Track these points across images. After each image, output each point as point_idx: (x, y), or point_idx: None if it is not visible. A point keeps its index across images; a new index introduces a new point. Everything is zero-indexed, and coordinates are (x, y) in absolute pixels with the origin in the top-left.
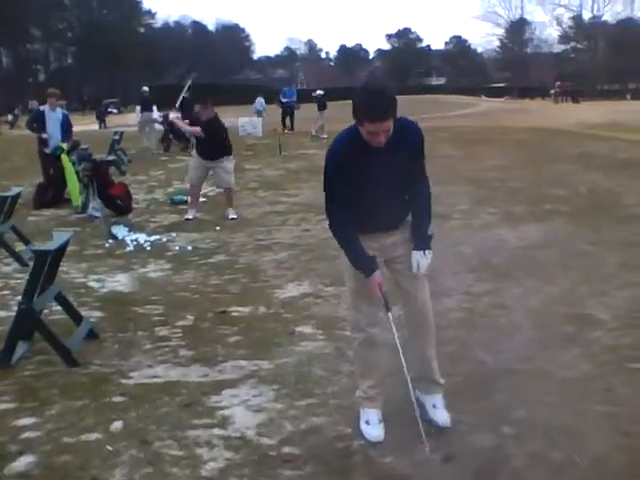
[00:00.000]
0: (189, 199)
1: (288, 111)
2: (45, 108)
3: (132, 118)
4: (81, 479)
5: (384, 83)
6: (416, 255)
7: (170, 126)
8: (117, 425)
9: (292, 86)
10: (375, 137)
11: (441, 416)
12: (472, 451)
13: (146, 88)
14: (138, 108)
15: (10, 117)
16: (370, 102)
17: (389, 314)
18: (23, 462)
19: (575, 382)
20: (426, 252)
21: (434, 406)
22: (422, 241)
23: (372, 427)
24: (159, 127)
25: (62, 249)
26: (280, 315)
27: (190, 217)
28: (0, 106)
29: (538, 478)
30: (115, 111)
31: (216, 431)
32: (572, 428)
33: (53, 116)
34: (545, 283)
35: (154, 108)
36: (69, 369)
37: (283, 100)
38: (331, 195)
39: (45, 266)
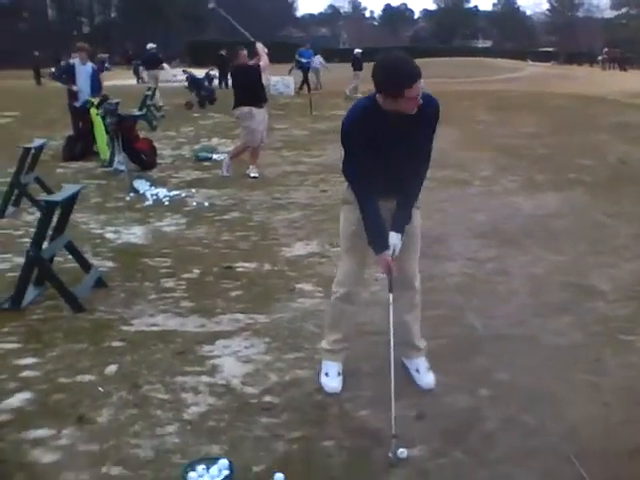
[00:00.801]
0: (235, 154)
1: (306, 71)
2: (75, 62)
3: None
4: (70, 416)
5: (402, 52)
6: (394, 237)
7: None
8: (112, 368)
9: (308, 47)
10: (414, 102)
11: (424, 379)
12: (447, 411)
13: (152, 45)
14: (141, 68)
15: (53, 69)
16: (406, 66)
17: (390, 295)
18: (19, 398)
19: (564, 350)
20: (401, 236)
21: (417, 370)
22: (402, 224)
23: (330, 379)
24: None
25: (71, 200)
26: (284, 272)
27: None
28: (45, 57)
29: (508, 441)
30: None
31: (203, 378)
32: (552, 394)
33: (83, 70)
34: (552, 252)
35: (165, 65)
36: (75, 314)
37: (303, 60)
38: (353, 159)
39: (53, 216)
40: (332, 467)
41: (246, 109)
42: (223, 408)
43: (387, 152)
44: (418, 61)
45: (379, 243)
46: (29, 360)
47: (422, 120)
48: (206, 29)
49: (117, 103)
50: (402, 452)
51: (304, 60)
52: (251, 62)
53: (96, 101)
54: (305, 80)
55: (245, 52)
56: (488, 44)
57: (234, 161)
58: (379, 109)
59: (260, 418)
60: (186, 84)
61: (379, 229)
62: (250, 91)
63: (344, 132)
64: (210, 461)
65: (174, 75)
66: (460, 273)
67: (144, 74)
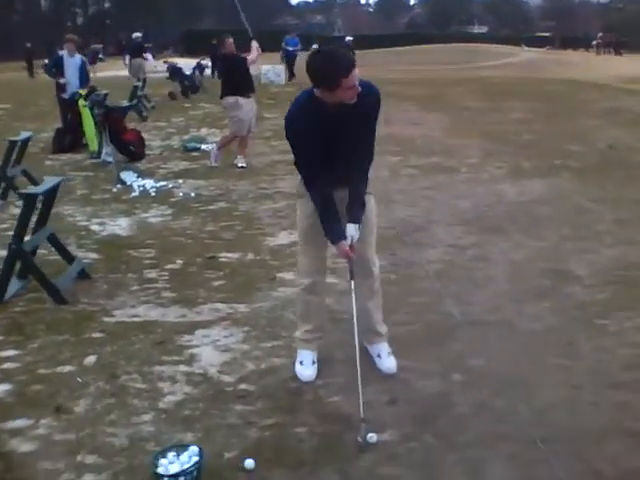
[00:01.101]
0: (222, 143)
1: (290, 60)
2: (64, 54)
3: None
4: (47, 406)
5: (333, 46)
6: (351, 228)
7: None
8: (91, 359)
9: (294, 35)
10: (352, 90)
11: (385, 364)
12: (419, 396)
13: (138, 34)
14: (127, 56)
15: (47, 61)
16: (340, 57)
17: (352, 282)
18: None
19: (538, 335)
20: (359, 226)
21: (378, 356)
22: (356, 215)
23: (305, 367)
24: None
25: (52, 192)
26: (266, 262)
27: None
28: (39, 49)
29: (478, 425)
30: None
31: (181, 367)
32: (524, 379)
33: (71, 62)
34: (534, 238)
35: (147, 55)
36: (57, 306)
37: (290, 49)
38: (301, 156)
39: (34, 208)
40: (303, 452)
41: (232, 99)
42: (199, 397)
43: (331, 143)
44: (413, 48)
45: (334, 233)
46: (10, 352)
47: (362, 108)
48: (201, 18)
49: (105, 94)
50: (372, 437)
51: (290, 48)
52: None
53: (84, 92)
54: (290, 69)
55: (231, 40)
56: (484, 30)
57: (222, 151)
58: (319, 102)
59: (235, 406)
60: (167, 74)
61: (333, 219)
62: (237, 81)
63: (287, 128)
64: (181, 448)
65: (154, 66)
66: (440, 260)
67: (129, 62)
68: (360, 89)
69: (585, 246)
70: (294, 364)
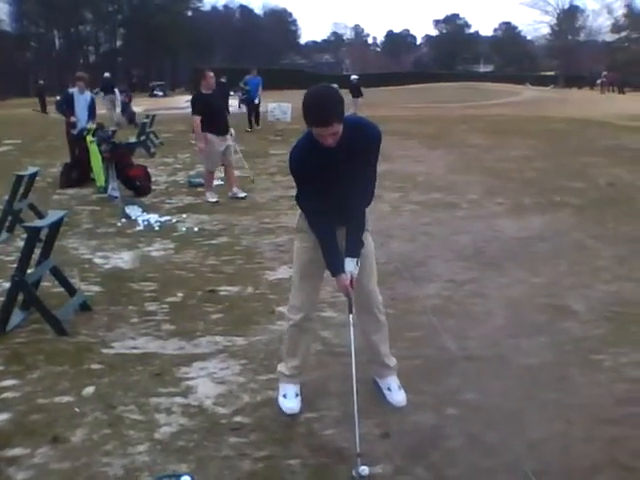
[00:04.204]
0: (207, 182)
1: (251, 104)
2: (74, 91)
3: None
4: (45, 436)
5: (328, 90)
6: (349, 263)
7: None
8: (89, 390)
9: (255, 74)
10: (323, 139)
11: (395, 397)
12: (412, 429)
13: (107, 74)
14: (102, 93)
15: (59, 97)
16: (313, 109)
17: (350, 316)
18: None
19: (532, 369)
20: (357, 261)
21: (388, 389)
22: (355, 249)
23: (288, 400)
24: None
25: (55, 226)
26: (265, 295)
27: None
28: (52, 86)
29: (470, 458)
30: (161, 94)
31: (177, 399)
32: (516, 412)
33: (81, 99)
34: (531, 274)
35: (115, 90)
36: (58, 337)
37: (252, 92)
38: (303, 191)
39: (36, 241)
40: None
41: (202, 135)
42: (194, 428)
43: (328, 177)
44: (420, 86)
45: (336, 265)
46: (10, 382)
47: (360, 147)
48: (213, 57)
49: (113, 132)
50: (364, 470)
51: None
52: None
53: (92, 129)
54: (249, 114)
55: (212, 74)
56: (489, 68)
57: (211, 187)
58: (317, 140)
59: (229, 438)
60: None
61: (335, 252)
62: (208, 118)
63: (290, 163)
64: (174, 478)
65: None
66: (437, 295)
67: (103, 99)
68: (340, 135)
69: (582, 282)
70: (277, 398)
